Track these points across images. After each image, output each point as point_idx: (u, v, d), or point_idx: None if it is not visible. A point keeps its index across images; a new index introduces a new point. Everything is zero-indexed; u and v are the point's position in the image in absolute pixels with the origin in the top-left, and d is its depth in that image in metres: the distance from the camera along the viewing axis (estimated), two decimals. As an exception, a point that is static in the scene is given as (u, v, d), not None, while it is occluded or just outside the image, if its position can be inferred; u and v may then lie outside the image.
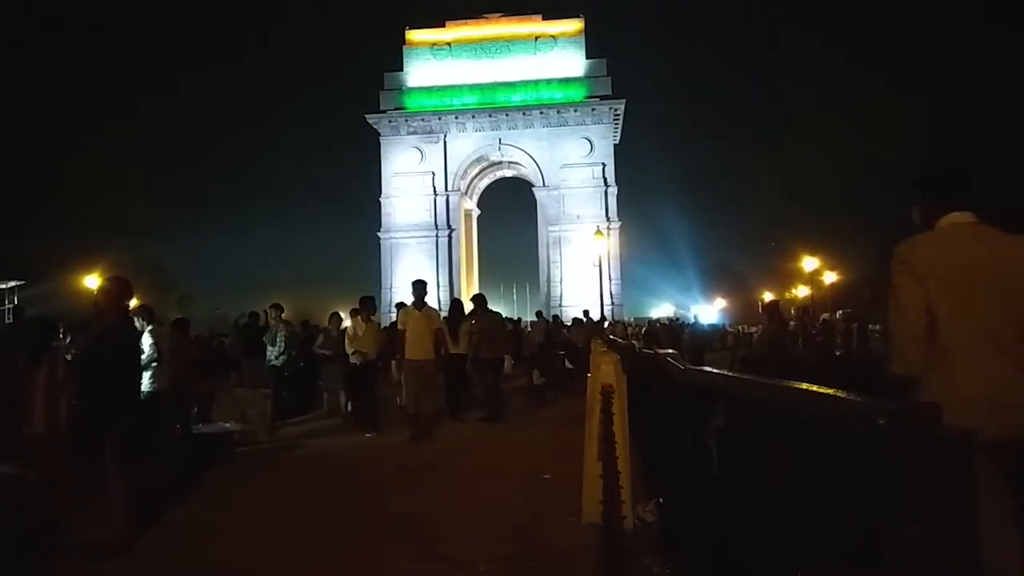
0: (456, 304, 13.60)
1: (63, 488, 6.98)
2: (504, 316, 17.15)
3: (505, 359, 13.68)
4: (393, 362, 12.51)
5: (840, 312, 40.13)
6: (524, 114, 47.53)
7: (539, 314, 22.73)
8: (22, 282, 35.19)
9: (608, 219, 45.63)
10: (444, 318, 12.59)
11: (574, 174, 46.95)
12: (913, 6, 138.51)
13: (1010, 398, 2.66)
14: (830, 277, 49.03)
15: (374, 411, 10.98)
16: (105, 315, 5.46)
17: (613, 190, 47.26)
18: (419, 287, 10.58)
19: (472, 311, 13.00)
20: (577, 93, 47.87)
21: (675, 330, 28.64)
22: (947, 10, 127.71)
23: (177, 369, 9.22)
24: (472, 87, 48.02)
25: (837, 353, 20.29)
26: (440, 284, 47.31)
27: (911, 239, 3.06)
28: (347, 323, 12.52)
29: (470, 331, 12.37)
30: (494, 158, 50.09)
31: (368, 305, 11.70)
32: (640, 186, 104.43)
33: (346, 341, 11.53)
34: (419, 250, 48.12)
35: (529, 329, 21.62)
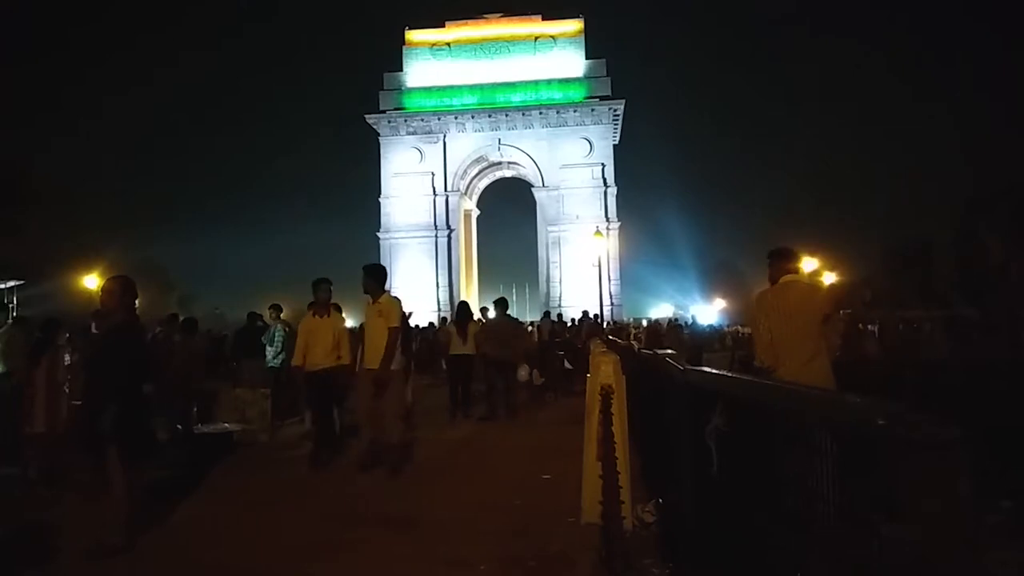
0: (463, 305, 13.61)
1: (62, 488, 7.00)
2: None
3: (522, 367, 13.65)
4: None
5: (841, 312, 40.08)
6: (524, 114, 47.52)
7: (547, 314, 23.18)
8: (21, 282, 35.16)
9: (607, 219, 45.63)
10: (449, 319, 12.51)
11: (574, 174, 46.94)
12: (916, 5, 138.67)
13: (794, 376, 4.74)
14: (829, 278, 49.02)
15: (330, 439, 8.53)
16: (111, 314, 5.46)
17: (613, 190, 47.26)
18: (372, 274, 7.87)
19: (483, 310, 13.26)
20: (577, 93, 47.87)
21: (674, 330, 28.64)
22: (951, 7, 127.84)
23: (181, 369, 9.30)
24: (472, 87, 48.01)
25: (836, 354, 20.35)
26: (440, 284, 47.34)
27: (763, 290, 5.71)
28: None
29: (476, 333, 12.59)
30: (494, 158, 50.08)
31: (322, 292, 8.49)
32: (640, 186, 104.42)
33: (296, 345, 8.47)
34: (419, 250, 48.10)
35: (531, 328, 21.73)
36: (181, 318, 12.25)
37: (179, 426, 9.87)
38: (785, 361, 5.10)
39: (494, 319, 13.19)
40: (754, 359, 5.49)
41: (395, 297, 8.06)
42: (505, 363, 12.47)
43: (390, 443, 7.49)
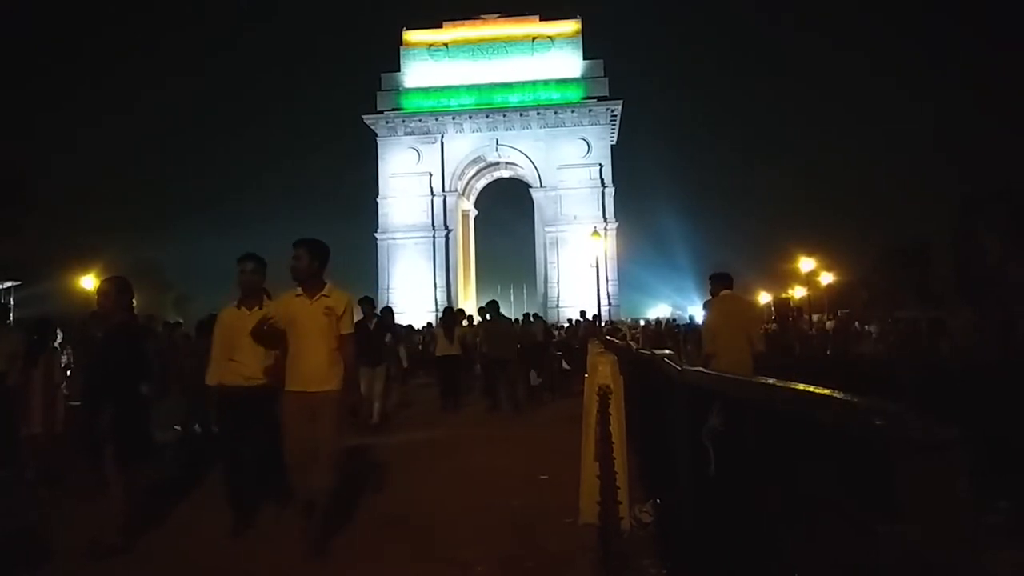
0: (448, 310, 14.52)
1: (60, 489, 6.98)
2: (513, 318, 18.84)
3: (532, 374, 14.68)
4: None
5: (840, 312, 40.29)
6: (521, 115, 47.56)
7: (536, 316, 23.55)
8: (18, 283, 35.12)
9: (605, 220, 45.69)
10: (378, 321, 11.49)
11: (571, 175, 46.98)
12: (918, 5, 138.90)
13: (737, 368, 6.83)
14: (827, 278, 49.11)
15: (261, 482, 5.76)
16: (110, 316, 5.44)
17: (610, 191, 47.31)
18: (316, 253, 5.33)
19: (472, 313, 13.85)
20: (574, 94, 47.91)
21: (672, 331, 28.65)
22: (952, 9, 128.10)
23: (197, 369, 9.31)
24: (469, 88, 48.04)
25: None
26: (437, 285, 47.37)
27: (708, 300, 8.49)
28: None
29: (462, 335, 13.95)
30: (491, 159, 50.11)
31: (245, 273, 5.81)
32: (637, 187, 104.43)
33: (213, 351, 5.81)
34: (416, 251, 48.12)
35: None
36: (200, 319, 12.26)
37: (177, 427, 9.85)
38: (723, 350, 7.51)
39: (490, 321, 13.91)
40: (704, 347, 7.85)
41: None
42: (508, 361, 13.29)
43: (320, 489, 5.11)
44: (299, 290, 5.31)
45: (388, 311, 13.23)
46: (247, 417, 5.54)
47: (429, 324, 29.39)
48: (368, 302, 11.66)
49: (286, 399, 5.21)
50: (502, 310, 14.94)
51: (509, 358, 13.30)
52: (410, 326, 27.64)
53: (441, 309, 43.43)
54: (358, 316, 10.99)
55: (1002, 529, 4.36)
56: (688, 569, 3.60)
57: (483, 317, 14.59)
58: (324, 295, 5.28)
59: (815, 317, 38.22)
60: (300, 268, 5.27)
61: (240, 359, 5.58)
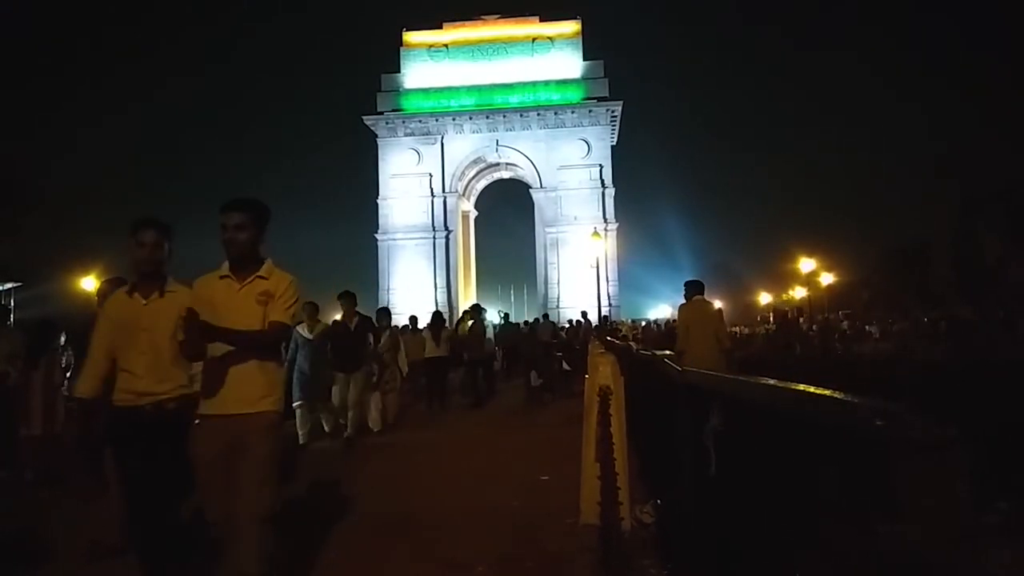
0: (437, 314, 15.12)
1: (60, 488, 6.98)
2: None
3: (532, 375, 15.68)
4: None
5: (842, 312, 40.38)
6: (521, 116, 47.57)
7: (545, 316, 24.68)
8: (19, 284, 35.14)
9: (605, 220, 45.70)
10: (402, 326, 13.36)
11: (571, 175, 46.99)
12: (916, 6, 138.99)
13: (706, 363, 6.46)
14: (827, 279, 49.14)
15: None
16: None
17: (610, 191, 47.31)
18: (256, 214, 3.72)
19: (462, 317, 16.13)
20: (574, 94, 47.91)
21: (673, 331, 28.73)
22: (951, 10, 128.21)
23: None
24: (469, 89, 48.04)
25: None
26: (438, 286, 47.37)
27: (682, 304, 9.40)
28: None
29: (450, 336, 14.61)
30: (491, 160, 50.12)
31: (142, 244, 4.14)
32: (637, 187, 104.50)
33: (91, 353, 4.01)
34: (417, 252, 48.12)
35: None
36: None
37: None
38: (696, 347, 8.39)
39: (474, 324, 14.91)
40: (676, 344, 8.61)
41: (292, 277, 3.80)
42: (486, 360, 14.96)
43: (242, 570, 3.58)
44: (224, 269, 3.71)
45: (384, 313, 12.35)
46: (149, 451, 3.76)
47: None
48: (349, 297, 10.40)
49: (198, 430, 3.64)
50: (503, 311, 15.71)
51: (482, 358, 14.76)
52: (403, 327, 27.58)
53: (442, 310, 43.64)
54: (338, 315, 10.64)
55: (1002, 529, 4.36)
56: (689, 570, 3.60)
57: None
58: (260, 276, 3.70)
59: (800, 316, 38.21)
60: (242, 240, 3.65)
61: (133, 368, 3.85)
